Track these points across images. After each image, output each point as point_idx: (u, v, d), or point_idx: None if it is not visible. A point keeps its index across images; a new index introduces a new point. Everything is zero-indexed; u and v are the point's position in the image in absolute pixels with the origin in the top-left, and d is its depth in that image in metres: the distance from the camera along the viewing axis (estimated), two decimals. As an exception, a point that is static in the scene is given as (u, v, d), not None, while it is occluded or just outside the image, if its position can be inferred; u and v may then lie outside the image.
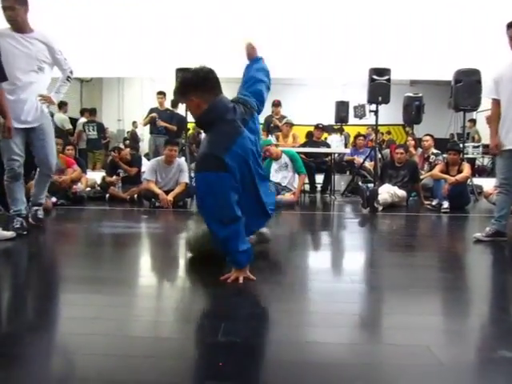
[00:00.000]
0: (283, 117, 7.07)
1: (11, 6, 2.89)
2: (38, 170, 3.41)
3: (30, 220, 3.34)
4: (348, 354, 1.33)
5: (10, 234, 2.94)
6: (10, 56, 2.94)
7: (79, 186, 5.31)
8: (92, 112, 8.37)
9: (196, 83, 2.01)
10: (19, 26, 2.98)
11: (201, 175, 1.94)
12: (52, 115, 3.68)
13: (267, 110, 7.45)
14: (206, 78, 2.02)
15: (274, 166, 5.41)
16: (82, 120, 8.27)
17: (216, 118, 2.00)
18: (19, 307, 1.79)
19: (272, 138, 6.12)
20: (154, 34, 6.93)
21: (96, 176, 6.12)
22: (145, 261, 2.71)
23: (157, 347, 1.35)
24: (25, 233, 3.07)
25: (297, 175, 5.43)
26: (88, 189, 5.69)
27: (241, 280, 1.96)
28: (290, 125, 6.59)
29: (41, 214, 3.44)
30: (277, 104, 7.20)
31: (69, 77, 3.38)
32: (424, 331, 1.48)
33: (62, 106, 7.54)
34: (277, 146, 5.54)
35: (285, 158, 5.41)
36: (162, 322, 1.58)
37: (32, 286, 2.09)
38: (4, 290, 2.03)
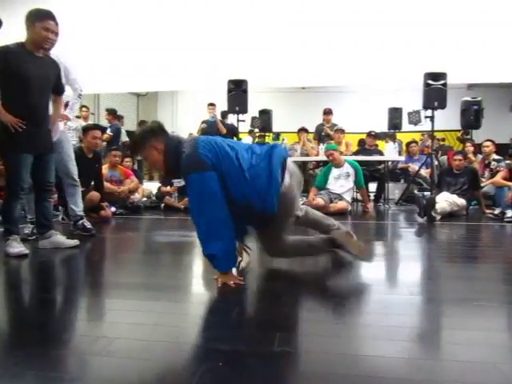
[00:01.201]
0: (334, 125, 7.00)
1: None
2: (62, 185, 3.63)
3: (81, 232, 3.54)
4: (406, 368, 1.28)
5: (73, 242, 3.12)
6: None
7: (136, 196, 5.53)
8: (141, 124, 8.70)
9: (148, 134, 2.15)
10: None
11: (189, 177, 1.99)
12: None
13: (318, 119, 7.42)
14: (152, 126, 2.19)
15: (334, 172, 5.38)
16: (138, 132, 8.58)
17: (175, 152, 2.08)
18: (79, 312, 1.89)
19: (324, 147, 6.08)
20: (205, 48, 7.13)
21: (152, 186, 6.34)
22: (200, 268, 2.76)
23: (211, 355, 1.37)
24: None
25: (355, 187, 5.46)
26: (144, 199, 5.91)
27: (231, 284, 2.02)
28: (341, 131, 6.52)
29: (87, 223, 3.62)
30: (328, 112, 7.15)
31: (80, 95, 3.67)
32: (489, 348, 1.41)
33: (119, 119, 7.91)
34: (340, 153, 5.51)
35: (348, 168, 5.36)
36: (216, 330, 1.60)
37: (93, 292, 2.20)
38: (64, 295, 2.15)
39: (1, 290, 2.26)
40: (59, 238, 3.11)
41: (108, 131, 6.90)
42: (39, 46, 2.82)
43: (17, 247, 2.81)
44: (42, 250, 3.02)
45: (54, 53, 3.13)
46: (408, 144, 7.59)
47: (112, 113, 7.45)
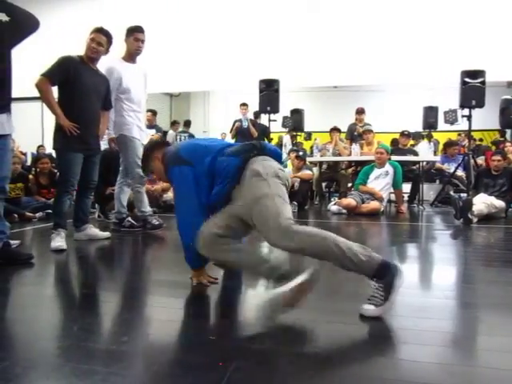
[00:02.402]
0: (366, 124, 6.90)
1: (144, 40, 3.67)
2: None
3: (150, 230, 3.82)
4: (438, 374, 1.25)
5: (106, 234, 3.43)
6: (133, 82, 3.69)
7: (169, 195, 5.63)
8: (186, 123, 8.89)
9: (148, 150, 2.30)
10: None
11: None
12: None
13: (350, 118, 7.33)
14: (151, 145, 2.38)
15: (375, 173, 5.39)
16: (171, 132, 8.76)
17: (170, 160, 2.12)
18: (113, 308, 1.94)
19: (356, 147, 6.01)
20: (237, 48, 7.17)
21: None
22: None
23: (241, 354, 1.38)
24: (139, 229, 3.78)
25: (391, 187, 5.44)
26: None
27: (204, 282, 2.05)
28: (369, 131, 6.43)
29: (155, 219, 3.90)
30: (360, 111, 7.05)
31: None
32: (529, 356, 1.36)
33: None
34: (389, 159, 5.46)
35: (388, 167, 5.36)
36: (244, 329, 1.61)
37: (126, 288, 2.26)
38: (97, 291, 2.21)
39: (39, 283, 2.35)
40: (93, 231, 3.39)
41: (154, 132, 6.97)
42: (89, 58, 3.17)
43: (57, 242, 2.99)
44: (80, 246, 3.18)
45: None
46: (449, 145, 7.34)
47: (154, 113, 7.53)
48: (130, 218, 3.88)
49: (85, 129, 3.08)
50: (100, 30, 3.16)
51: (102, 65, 3.39)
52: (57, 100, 3.07)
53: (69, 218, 3.23)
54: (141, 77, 3.80)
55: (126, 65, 3.67)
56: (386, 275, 1.65)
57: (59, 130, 3.03)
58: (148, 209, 3.88)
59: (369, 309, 1.64)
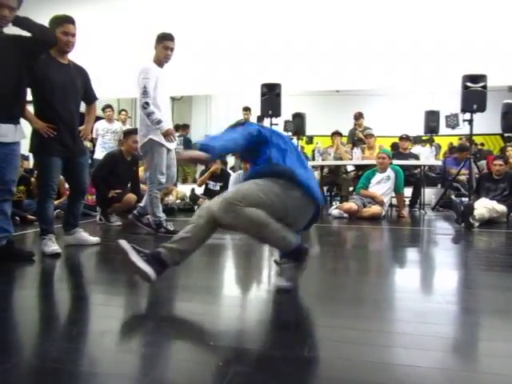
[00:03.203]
0: (366, 128, 6.91)
1: (174, 48, 3.69)
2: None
3: (166, 234, 3.75)
4: (438, 379, 1.25)
5: (95, 239, 3.32)
6: (163, 87, 3.70)
7: (170, 198, 5.65)
8: (184, 127, 8.91)
9: None
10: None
11: None
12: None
13: (352, 122, 7.33)
14: None
15: (377, 177, 5.40)
16: (173, 136, 8.78)
17: None
18: (111, 310, 1.94)
19: (358, 151, 6.02)
20: (239, 52, 7.19)
21: (186, 189, 6.45)
22: (232, 270, 2.79)
23: (241, 358, 1.38)
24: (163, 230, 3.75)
25: (393, 191, 5.45)
26: (178, 201, 6.02)
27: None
28: (371, 136, 6.44)
29: (169, 225, 3.89)
30: (357, 117, 7.08)
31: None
32: (530, 361, 1.36)
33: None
34: (391, 163, 5.47)
35: (389, 171, 5.36)
36: (244, 333, 1.61)
37: (126, 291, 2.26)
38: (95, 294, 2.21)
39: (33, 287, 2.35)
40: (83, 236, 3.29)
41: None
42: (62, 51, 2.96)
43: (51, 246, 2.95)
44: (72, 250, 3.18)
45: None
46: (461, 150, 7.22)
47: None
48: (165, 222, 3.87)
49: (62, 129, 2.95)
50: (69, 20, 2.92)
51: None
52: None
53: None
54: (167, 83, 3.80)
55: (159, 69, 3.68)
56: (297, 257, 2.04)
57: (36, 132, 2.92)
58: (162, 214, 3.86)
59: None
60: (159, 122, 3.56)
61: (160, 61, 3.71)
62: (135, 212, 4.03)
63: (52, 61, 2.93)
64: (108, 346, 1.49)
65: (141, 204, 4.05)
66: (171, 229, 3.77)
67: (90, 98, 3.25)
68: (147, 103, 3.54)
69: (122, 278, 2.56)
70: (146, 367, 1.32)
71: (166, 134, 3.60)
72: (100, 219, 4.69)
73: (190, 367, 1.31)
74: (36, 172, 5.56)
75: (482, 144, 9.65)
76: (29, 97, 2.84)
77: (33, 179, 5.46)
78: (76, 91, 3.05)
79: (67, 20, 2.91)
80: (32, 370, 1.29)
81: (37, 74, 2.83)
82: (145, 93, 3.54)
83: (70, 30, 2.92)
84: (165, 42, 3.64)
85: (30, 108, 2.95)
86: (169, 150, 3.78)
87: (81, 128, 3.17)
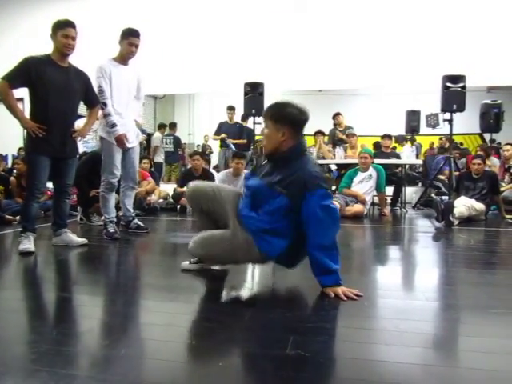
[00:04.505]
0: (348, 127, 6.96)
1: (138, 45, 3.56)
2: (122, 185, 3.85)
3: (137, 231, 3.83)
4: (419, 375, 1.27)
5: (81, 240, 3.28)
6: (121, 84, 3.54)
7: (153, 198, 5.59)
8: (171, 126, 8.84)
9: (297, 122, 2.07)
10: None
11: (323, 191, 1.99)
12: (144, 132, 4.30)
13: (329, 124, 7.37)
14: (305, 121, 2.10)
15: (359, 176, 5.41)
16: (157, 134, 8.70)
17: (299, 154, 2.09)
18: (95, 312, 1.91)
19: (340, 150, 6.05)
20: (221, 50, 7.16)
21: (169, 188, 6.40)
22: (215, 270, 2.77)
23: (224, 357, 1.37)
24: (118, 236, 3.54)
25: (374, 190, 5.47)
26: (161, 200, 5.96)
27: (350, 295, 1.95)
28: (352, 135, 6.48)
29: (140, 222, 3.91)
30: (334, 116, 7.13)
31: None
32: (508, 356, 1.38)
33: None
34: (373, 162, 5.50)
35: (372, 171, 5.39)
36: (229, 332, 1.61)
37: (109, 292, 2.23)
38: (79, 295, 2.18)
39: (13, 287, 2.30)
40: (69, 237, 3.27)
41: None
42: (62, 53, 3.01)
43: (25, 244, 2.95)
44: (57, 249, 3.15)
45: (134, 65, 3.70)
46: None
47: None
48: (136, 220, 3.91)
49: (53, 130, 2.96)
50: (70, 24, 3.00)
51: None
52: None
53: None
54: (132, 80, 3.66)
55: (116, 66, 3.55)
56: None
57: (28, 132, 2.95)
58: (112, 214, 3.71)
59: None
60: (113, 125, 3.47)
61: (123, 57, 3.58)
62: (122, 223, 3.93)
63: (51, 63, 2.99)
64: (89, 346, 1.47)
65: (120, 213, 3.98)
66: (111, 230, 3.58)
67: (92, 103, 3.30)
68: (104, 103, 3.43)
69: (103, 279, 2.53)
70: (126, 369, 1.30)
71: (117, 140, 3.51)
72: (81, 219, 4.62)
73: (171, 366, 1.30)
74: (15, 172, 5.49)
75: (461, 143, 9.81)
76: (23, 95, 2.89)
77: (12, 178, 5.35)
78: (72, 94, 3.08)
79: (68, 24, 2.99)
80: (12, 372, 1.26)
81: (34, 75, 2.89)
82: (100, 92, 3.42)
83: (71, 34, 2.98)
84: (130, 38, 3.52)
85: (22, 106, 3.00)
86: (128, 149, 3.67)
87: (78, 128, 3.21)
